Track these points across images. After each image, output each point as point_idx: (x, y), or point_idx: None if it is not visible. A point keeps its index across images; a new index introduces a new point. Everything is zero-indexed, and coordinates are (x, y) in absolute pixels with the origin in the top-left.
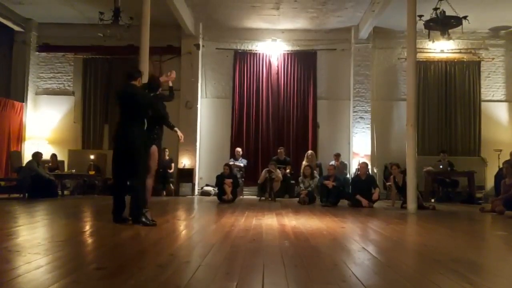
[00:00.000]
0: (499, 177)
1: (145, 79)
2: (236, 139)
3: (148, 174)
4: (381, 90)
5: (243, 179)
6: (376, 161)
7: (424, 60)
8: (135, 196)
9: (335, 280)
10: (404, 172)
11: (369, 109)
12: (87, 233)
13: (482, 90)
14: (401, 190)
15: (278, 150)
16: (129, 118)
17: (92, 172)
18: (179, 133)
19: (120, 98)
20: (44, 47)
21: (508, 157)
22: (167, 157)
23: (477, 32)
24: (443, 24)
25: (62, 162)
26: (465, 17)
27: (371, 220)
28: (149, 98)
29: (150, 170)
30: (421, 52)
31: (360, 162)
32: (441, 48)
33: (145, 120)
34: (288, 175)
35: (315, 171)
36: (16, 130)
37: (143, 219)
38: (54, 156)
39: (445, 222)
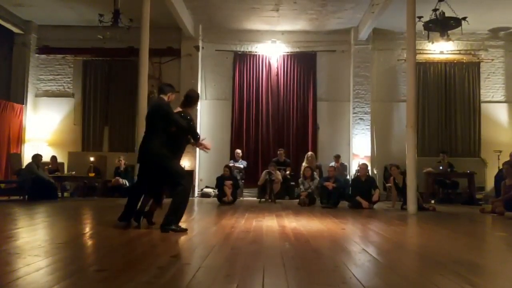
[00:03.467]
0: (499, 178)
1: (143, 80)
2: (236, 141)
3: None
4: (381, 91)
5: (243, 181)
6: (376, 163)
7: (424, 61)
8: (174, 201)
9: (335, 282)
10: (404, 173)
11: (369, 110)
12: (87, 235)
13: (481, 91)
14: (401, 191)
15: (278, 152)
16: (151, 131)
17: (92, 174)
18: (206, 142)
19: (148, 110)
20: (44, 49)
21: (508, 158)
22: None
23: (476, 33)
24: (443, 25)
25: (62, 164)
26: (464, 18)
27: (371, 222)
28: (167, 109)
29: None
30: (420, 53)
31: (360, 163)
32: (440, 49)
33: (167, 133)
34: (288, 176)
35: (315, 173)
36: (16, 132)
37: (173, 227)
38: (54, 158)
39: (446, 223)
